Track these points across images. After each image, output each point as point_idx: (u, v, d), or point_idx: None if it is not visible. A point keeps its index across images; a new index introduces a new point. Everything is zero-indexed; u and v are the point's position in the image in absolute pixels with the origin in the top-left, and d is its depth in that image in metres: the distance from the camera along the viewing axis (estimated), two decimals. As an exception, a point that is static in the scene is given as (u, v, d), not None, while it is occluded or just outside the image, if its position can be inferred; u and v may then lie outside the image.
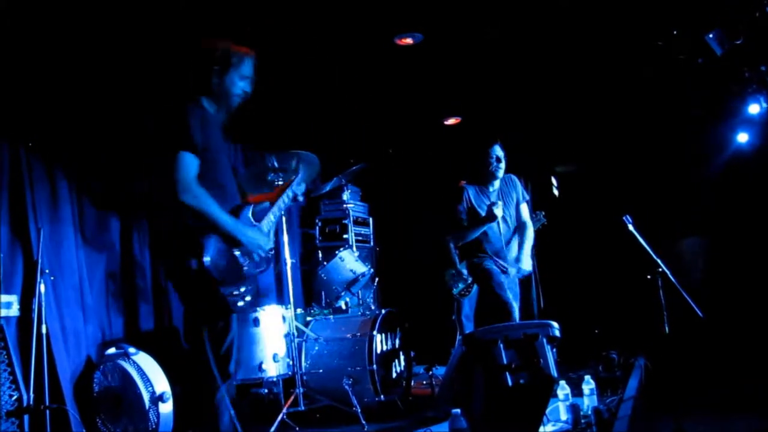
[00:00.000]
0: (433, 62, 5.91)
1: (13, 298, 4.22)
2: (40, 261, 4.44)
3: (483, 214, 5.05)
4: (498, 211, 4.93)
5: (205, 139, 3.12)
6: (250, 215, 3.31)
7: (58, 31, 4.42)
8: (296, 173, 3.74)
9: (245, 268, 3.20)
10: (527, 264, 5.23)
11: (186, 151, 3.04)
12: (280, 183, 4.98)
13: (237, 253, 3.17)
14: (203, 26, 4.69)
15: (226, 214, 3.11)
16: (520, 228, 5.32)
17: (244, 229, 3.18)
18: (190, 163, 3.03)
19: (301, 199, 3.69)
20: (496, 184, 5.26)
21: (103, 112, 5.15)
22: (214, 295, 3.05)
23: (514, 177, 5.42)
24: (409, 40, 5.43)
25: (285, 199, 3.57)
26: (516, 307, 5.12)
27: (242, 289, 3.15)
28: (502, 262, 5.18)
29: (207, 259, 3.00)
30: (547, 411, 3.86)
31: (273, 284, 6.62)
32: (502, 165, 5.18)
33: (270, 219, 3.42)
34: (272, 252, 3.37)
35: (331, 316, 5.70)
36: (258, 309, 5.25)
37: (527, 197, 5.48)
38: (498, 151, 5.19)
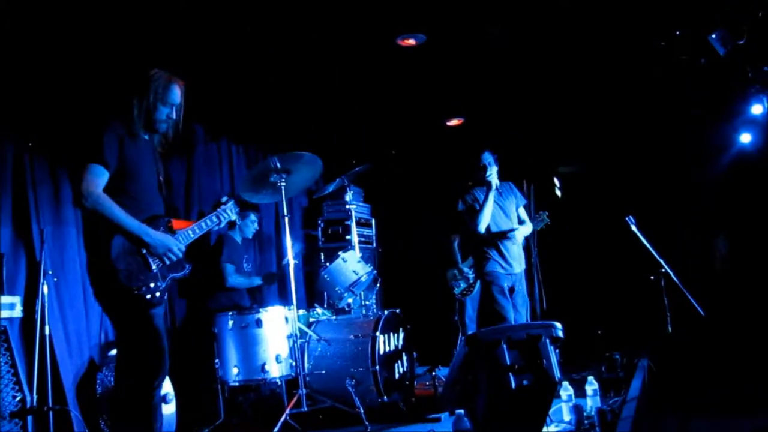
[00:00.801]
0: (436, 63, 5.90)
1: (16, 300, 4.23)
2: (43, 262, 4.45)
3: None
4: (493, 179, 5.20)
5: (124, 157, 3.30)
6: (164, 227, 3.44)
7: (62, 34, 4.43)
8: (231, 198, 3.90)
9: (154, 268, 3.31)
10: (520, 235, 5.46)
11: (94, 163, 3.21)
12: (284, 184, 5.01)
13: (146, 253, 3.28)
14: (204, 26, 4.69)
15: (131, 218, 3.24)
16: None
17: (148, 230, 3.29)
18: (96, 174, 3.21)
19: (223, 224, 3.80)
20: (494, 175, 5.35)
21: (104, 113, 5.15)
22: (121, 285, 3.18)
23: (512, 184, 5.66)
24: (411, 41, 5.43)
25: (212, 219, 3.72)
26: (526, 308, 5.22)
27: (151, 285, 3.27)
28: (506, 261, 5.23)
29: (112, 256, 3.17)
30: (551, 412, 3.85)
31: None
32: (493, 171, 5.30)
33: (188, 233, 3.56)
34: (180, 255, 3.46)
35: (334, 317, 5.70)
36: (261, 310, 5.26)
37: (524, 201, 5.71)
38: (488, 158, 5.38)
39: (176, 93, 3.48)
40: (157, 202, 3.50)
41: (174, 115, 3.50)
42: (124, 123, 3.38)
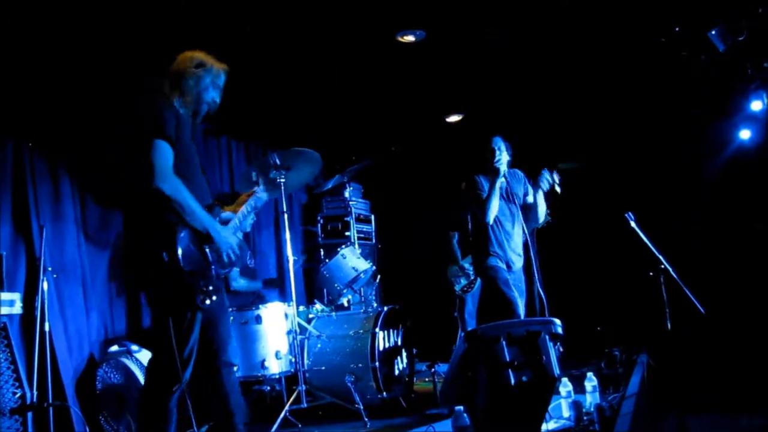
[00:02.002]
0: (436, 59, 5.90)
1: (16, 296, 4.24)
2: (42, 259, 4.46)
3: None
4: (502, 166, 5.00)
5: (178, 135, 3.15)
6: (220, 216, 3.35)
7: (61, 31, 4.42)
8: (257, 184, 3.71)
9: (213, 266, 3.19)
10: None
11: (162, 139, 3.04)
12: (283, 180, 5.00)
13: (207, 250, 3.16)
14: (204, 25, 4.69)
15: (202, 208, 3.12)
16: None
17: (217, 226, 3.19)
18: (166, 151, 3.05)
19: (258, 207, 3.64)
20: (502, 162, 5.13)
21: (105, 110, 5.15)
22: (183, 286, 3.03)
23: (519, 172, 5.40)
24: (411, 38, 5.42)
25: (248, 208, 3.55)
26: (521, 304, 5.13)
27: (210, 288, 3.10)
28: (507, 256, 5.17)
29: (179, 251, 3.00)
30: (550, 408, 3.86)
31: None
32: (504, 158, 5.12)
33: (235, 223, 3.42)
34: (239, 254, 3.35)
35: (334, 314, 5.70)
36: (260, 306, 5.26)
37: (533, 189, 5.43)
38: (498, 143, 5.14)
39: (224, 78, 3.44)
40: (205, 188, 3.37)
41: (218, 100, 3.43)
42: (170, 101, 3.28)
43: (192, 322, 3.12)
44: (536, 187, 5.31)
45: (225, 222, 3.38)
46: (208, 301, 3.07)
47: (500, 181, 5.04)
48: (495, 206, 5.03)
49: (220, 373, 3.31)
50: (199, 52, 3.42)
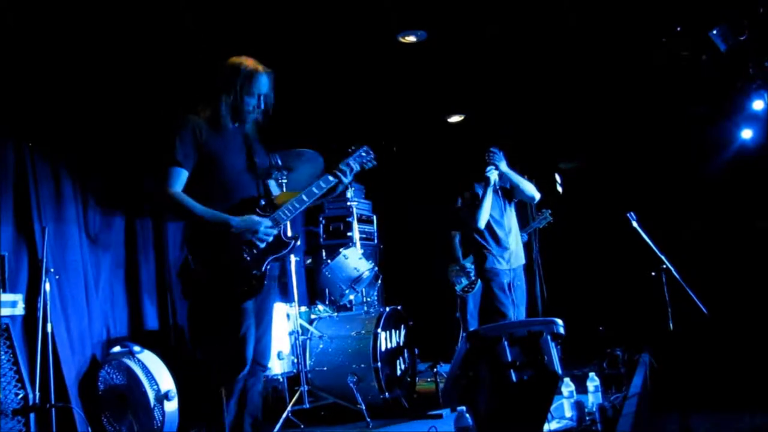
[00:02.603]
0: (437, 60, 5.90)
1: (19, 297, 4.23)
2: (44, 260, 4.45)
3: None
4: (492, 175, 5.23)
5: (204, 146, 3.33)
6: (258, 206, 3.38)
7: (64, 32, 4.43)
8: (362, 145, 3.74)
9: (246, 256, 3.27)
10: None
11: (170, 165, 3.29)
12: (285, 181, 4.99)
13: (233, 241, 3.25)
14: (206, 30, 4.69)
15: (207, 209, 3.26)
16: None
17: (228, 217, 3.26)
18: (171, 175, 3.28)
19: (357, 168, 3.65)
20: (493, 171, 5.33)
21: (107, 111, 5.16)
22: (213, 287, 3.20)
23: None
24: (412, 38, 5.43)
25: (327, 180, 3.51)
26: (522, 304, 5.20)
27: (245, 276, 3.25)
28: (504, 253, 5.23)
29: (200, 254, 3.21)
30: (552, 408, 3.86)
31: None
32: (493, 169, 5.30)
33: (293, 205, 3.42)
34: (283, 236, 3.41)
35: (336, 314, 5.70)
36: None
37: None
38: (493, 156, 5.31)
39: (262, 82, 3.44)
40: (249, 186, 3.45)
41: (261, 105, 3.47)
42: (206, 118, 3.41)
43: (238, 313, 3.26)
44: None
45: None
46: (245, 288, 3.23)
47: (491, 189, 5.22)
48: (485, 213, 5.24)
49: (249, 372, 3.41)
50: (239, 57, 3.49)
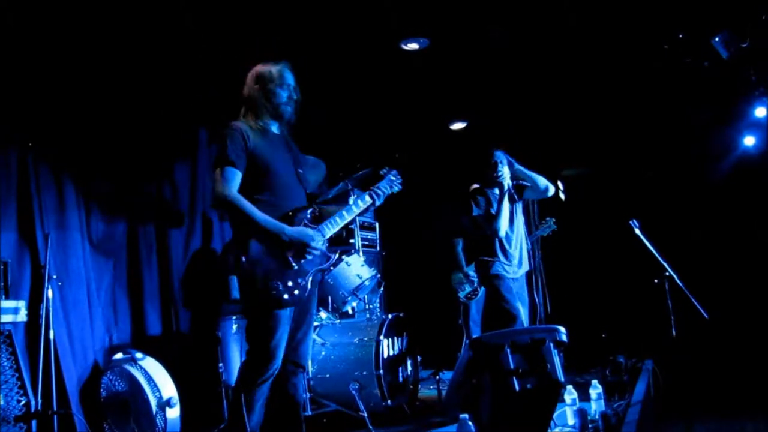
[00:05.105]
0: (439, 67, 5.91)
1: (21, 304, 4.24)
2: (47, 266, 4.46)
3: (493, 211, 5.13)
4: (506, 180, 5.10)
5: (253, 152, 3.41)
6: (307, 219, 3.51)
7: (67, 38, 4.44)
8: (392, 169, 3.96)
9: (294, 265, 3.36)
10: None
11: (224, 166, 3.34)
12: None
13: (288, 252, 3.35)
14: (209, 35, 4.71)
15: (265, 216, 3.33)
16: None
17: (283, 227, 3.35)
18: (227, 177, 3.33)
19: (378, 202, 3.82)
20: (506, 177, 5.22)
21: (110, 118, 5.17)
22: (261, 288, 3.28)
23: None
24: (415, 45, 5.44)
25: (364, 200, 3.72)
26: (524, 312, 5.14)
27: (289, 284, 3.32)
28: (510, 260, 5.18)
29: (249, 255, 3.27)
30: (555, 416, 3.85)
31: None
32: (505, 171, 5.17)
33: (335, 221, 3.60)
34: (325, 250, 3.56)
35: (338, 321, 5.70)
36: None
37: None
38: (499, 156, 5.21)
39: (288, 74, 3.61)
40: (298, 195, 3.57)
41: (295, 95, 3.60)
42: (248, 122, 3.51)
43: (276, 320, 3.33)
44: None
45: (326, 216, 3.60)
46: (287, 296, 3.29)
47: (507, 196, 5.09)
48: (505, 220, 5.09)
49: (289, 373, 3.53)
50: (257, 65, 3.62)
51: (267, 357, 3.34)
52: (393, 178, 3.89)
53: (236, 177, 3.35)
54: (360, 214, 3.76)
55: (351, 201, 3.70)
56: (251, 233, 3.30)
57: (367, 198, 3.72)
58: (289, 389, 3.54)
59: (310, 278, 3.45)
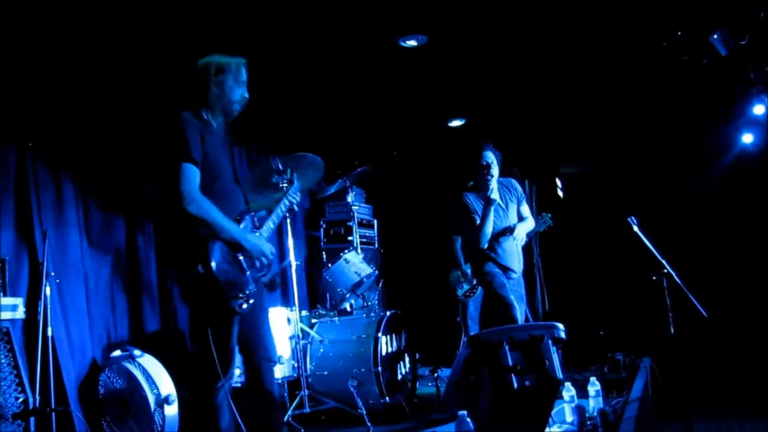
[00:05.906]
0: (438, 64, 5.90)
1: (19, 301, 4.23)
2: (45, 264, 4.46)
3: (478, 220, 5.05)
4: (494, 195, 4.97)
5: (206, 151, 3.23)
6: (252, 223, 3.44)
7: (65, 37, 4.43)
8: (291, 183, 3.84)
9: (248, 272, 3.29)
10: (522, 231, 5.22)
11: (187, 162, 3.14)
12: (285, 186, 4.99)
13: (241, 258, 3.27)
14: (204, 33, 4.69)
15: (230, 221, 3.23)
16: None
17: (247, 235, 3.29)
18: (192, 174, 3.15)
19: (296, 208, 3.82)
20: (494, 189, 5.09)
21: (107, 116, 5.16)
22: (219, 298, 3.15)
23: (513, 181, 5.40)
24: (413, 42, 5.43)
25: (282, 208, 3.68)
26: (521, 308, 5.11)
27: (247, 292, 3.24)
28: (504, 261, 5.14)
29: (213, 264, 3.11)
30: (553, 413, 3.85)
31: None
32: (494, 171, 5.08)
33: (269, 226, 3.54)
34: (273, 258, 3.46)
35: (336, 318, 5.70)
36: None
37: (524, 197, 5.44)
38: (489, 157, 5.10)
39: (245, 71, 3.46)
40: (239, 198, 3.46)
41: (246, 94, 3.47)
42: (197, 115, 3.32)
43: (229, 327, 3.26)
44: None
45: (261, 220, 3.51)
46: (245, 306, 3.21)
47: (492, 208, 5.01)
48: (488, 233, 5.02)
49: (260, 368, 3.45)
50: (215, 55, 3.45)
51: (227, 362, 3.25)
52: (296, 191, 3.82)
53: (197, 177, 3.16)
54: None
55: (275, 206, 3.64)
56: (211, 238, 3.14)
57: (287, 202, 3.69)
58: (265, 386, 3.44)
59: (256, 287, 3.36)
